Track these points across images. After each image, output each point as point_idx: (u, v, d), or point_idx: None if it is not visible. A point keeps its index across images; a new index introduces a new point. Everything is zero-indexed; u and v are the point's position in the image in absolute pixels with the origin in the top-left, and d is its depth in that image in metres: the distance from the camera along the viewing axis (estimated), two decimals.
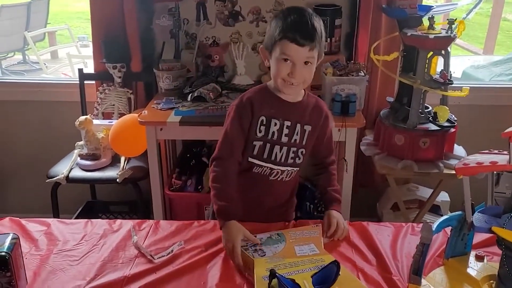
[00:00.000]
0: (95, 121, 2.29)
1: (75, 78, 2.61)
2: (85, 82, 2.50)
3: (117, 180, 2.13)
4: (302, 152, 1.52)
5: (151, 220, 1.53)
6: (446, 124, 2.10)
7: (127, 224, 1.49)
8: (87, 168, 2.24)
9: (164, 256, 1.32)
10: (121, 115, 2.41)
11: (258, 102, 1.47)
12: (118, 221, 1.52)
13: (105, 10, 2.34)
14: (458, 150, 2.27)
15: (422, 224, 1.20)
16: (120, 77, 2.41)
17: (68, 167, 2.22)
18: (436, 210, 2.44)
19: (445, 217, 1.25)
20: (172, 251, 1.34)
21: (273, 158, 1.49)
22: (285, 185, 1.57)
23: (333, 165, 1.64)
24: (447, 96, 2.12)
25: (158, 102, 2.24)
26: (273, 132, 1.47)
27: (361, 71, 2.18)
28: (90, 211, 2.58)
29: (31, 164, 2.74)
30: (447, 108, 2.08)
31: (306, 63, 1.39)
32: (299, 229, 1.42)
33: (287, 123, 1.48)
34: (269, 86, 1.51)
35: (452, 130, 2.15)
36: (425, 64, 2.06)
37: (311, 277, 1.16)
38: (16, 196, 2.86)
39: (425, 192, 2.46)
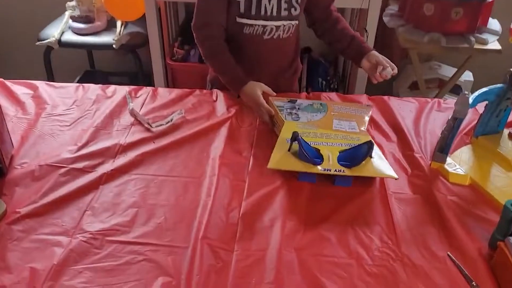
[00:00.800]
0: None
1: None
2: None
3: (114, 46, 1.94)
4: (297, 0, 1.31)
5: (148, 87, 1.38)
6: None
7: (122, 90, 1.36)
8: (80, 31, 2.04)
9: (163, 125, 1.20)
10: None
11: None
12: (113, 87, 1.38)
13: None
14: (493, 23, 2.02)
15: (449, 99, 1.05)
16: None
17: (60, 29, 2.02)
18: (456, 90, 2.27)
19: (483, 90, 1.09)
20: (171, 120, 1.22)
21: (263, 12, 1.29)
22: (283, 44, 1.38)
23: (337, 13, 1.42)
24: None
25: None
26: None
27: None
28: (88, 82, 2.43)
29: (22, 29, 2.53)
30: None
31: None
32: (347, 104, 1.27)
33: None
34: None
35: (489, 0, 1.89)
36: None
37: (339, 152, 1.04)
38: (8, 64, 2.69)
39: (447, 71, 2.28)
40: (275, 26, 1.32)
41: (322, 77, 2.27)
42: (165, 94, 1.35)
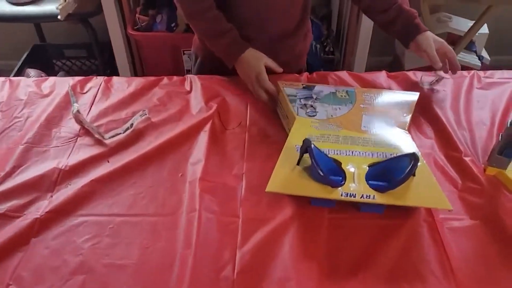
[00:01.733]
0: None
1: None
2: None
3: (58, 16, 1.56)
4: None
5: (99, 77, 1.04)
6: None
7: (64, 84, 1.02)
8: (18, 1, 1.64)
9: (120, 133, 0.88)
10: None
11: None
12: (51, 80, 1.04)
13: None
14: None
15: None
16: None
17: None
18: (469, 45, 1.97)
19: None
20: (131, 125, 0.90)
21: None
22: (286, 2, 1.04)
23: None
24: None
25: None
26: None
27: None
28: (39, 58, 2.06)
29: None
30: None
31: None
32: (383, 91, 0.94)
33: None
34: None
35: None
36: None
37: (368, 166, 0.75)
38: None
39: (459, 24, 1.96)
40: None
41: (315, 38, 1.94)
42: (122, 86, 1.02)
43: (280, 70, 1.00)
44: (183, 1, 1.00)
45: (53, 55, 2.11)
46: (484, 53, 2.02)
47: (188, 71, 1.85)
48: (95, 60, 2.03)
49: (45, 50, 2.06)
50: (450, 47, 0.97)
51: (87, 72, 2.09)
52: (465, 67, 2.03)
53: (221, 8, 1.01)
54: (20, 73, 1.94)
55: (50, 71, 2.05)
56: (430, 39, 0.98)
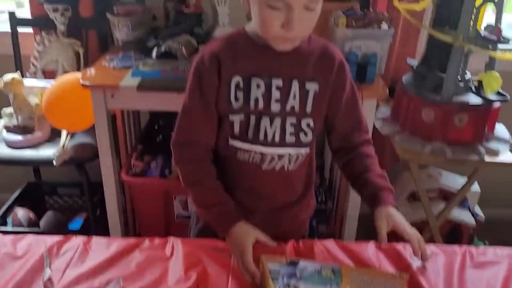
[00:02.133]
0: (28, 82, 1.73)
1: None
2: (20, 30, 1.91)
3: (54, 162, 1.59)
4: (308, 124, 1.02)
5: (78, 237, 1.01)
6: (494, 97, 1.58)
7: (40, 244, 0.98)
8: (16, 145, 1.70)
9: None
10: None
11: (229, 56, 0.98)
12: (29, 238, 1.00)
13: None
14: (500, 130, 1.77)
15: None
16: (64, 24, 1.83)
17: None
18: (462, 202, 1.98)
19: None
20: None
21: (262, 137, 1.00)
22: (288, 177, 1.06)
23: (367, 146, 1.10)
24: (494, 60, 1.60)
25: (112, 58, 1.68)
26: (256, 99, 0.98)
27: (384, 23, 1.64)
28: (33, 194, 2.06)
29: None
30: (498, 76, 1.56)
31: (308, 7, 0.90)
32: (370, 273, 0.91)
33: (277, 81, 0.98)
34: (248, 31, 1.01)
35: (498, 105, 1.65)
36: (471, 15, 1.52)
37: None
38: None
39: (450, 180, 1.99)
40: (278, 154, 1.02)
41: None
42: (100, 248, 0.98)
43: (274, 244, 0.98)
44: (184, 170, 1.03)
45: (46, 192, 2.11)
46: (478, 210, 2.02)
47: (178, 216, 1.83)
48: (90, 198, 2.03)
49: (39, 189, 2.08)
50: (413, 233, 0.96)
51: (78, 210, 2.08)
52: (460, 225, 2.02)
53: (222, 178, 1.02)
54: (10, 209, 1.93)
55: (40, 208, 2.04)
56: (384, 218, 0.97)
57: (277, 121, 1.00)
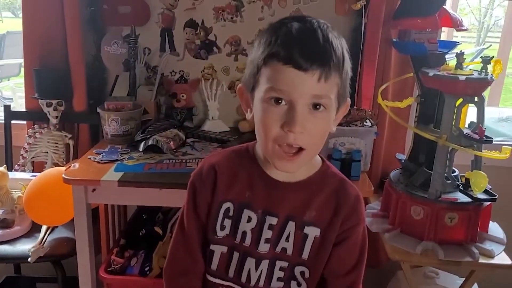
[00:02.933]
0: (12, 175, 1.72)
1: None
2: (13, 122, 1.96)
3: (29, 259, 1.53)
4: (302, 272, 0.88)
5: None
6: (483, 196, 1.55)
7: None
8: None
9: None
10: (57, 166, 1.85)
11: (227, 174, 0.89)
12: None
13: (42, 29, 1.83)
14: (493, 228, 1.72)
15: None
16: (56, 117, 1.87)
17: None
18: None
19: None
20: None
21: (244, 279, 0.89)
22: None
23: None
24: (480, 158, 1.59)
25: (98, 151, 1.68)
26: (244, 233, 0.87)
27: (367, 120, 1.65)
28: None
29: None
30: (485, 175, 1.53)
31: (316, 106, 0.78)
32: None
33: (271, 219, 0.87)
34: (252, 150, 0.92)
35: (488, 203, 1.61)
36: (453, 114, 1.54)
37: None
38: None
39: (447, 281, 1.89)
40: None
41: None
42: None
43: None
44: None
45: (25, 287, 2.02)
46: None
47: None
48: None
49: (17, 283, 1.99)
50: None
51: None
52: None
53: None
54: None
55: None
56: None
57: (264, 264, 0.88)
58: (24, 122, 1.97)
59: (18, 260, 1.65)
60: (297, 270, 0.88)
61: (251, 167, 0.89)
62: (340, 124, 1.59)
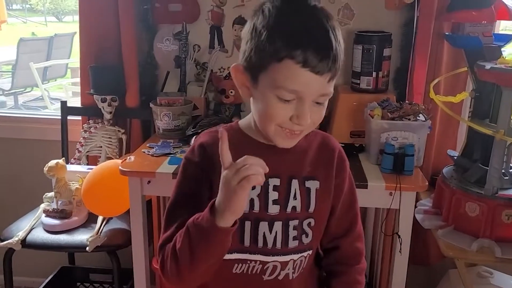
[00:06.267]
0: (70, 167, 1.80)
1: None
2: (69, 117, 2.04)
3: (87, 248, 1.59)
4: (309, 223, 0.94)
5: None
6: None
7: None
8: (52, 229, 1.72)
9: None
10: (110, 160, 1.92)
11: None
12: None
13: (97, 28, 1.90)
14: None
15: None
16: (110, 113, 1.94)
17: (28, 227, 1.71)
18: None
19: None
20: None
21: (260, 244, 0.91)
22: (293, 285, 0.96)
23: (354, 273, 1.02)
24: None
25: (151, 145, 1.73)
26: (252, 201, 0.90)
27: (421, 114, 1.63)
28: (65, 280, 2.05)
29: None
30: None
31: (318, 101, 0.85)
32: None
33: (274, 181, 0.91)
34: (242, 127, 0.95)
35: None
36: (510, 108, 1.49)
37: None
38: None
39: (501, 280, 1.83)
40: (280, 262, 0.93)
41: None
42: None
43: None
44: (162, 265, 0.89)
45: (78, 278, 2.10)
46: None
47: None
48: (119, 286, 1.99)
49: (72, 273, 2.07)
50: None
51: None
52: None
53: None
54: None
55: None
56: None
57: (277, 225, 0.91)
58: (80, 117, 2.04)
59: (75, 249, 1.71)
60: (305, 223, 0.94)
61: (244, 139, 0.93)
62: (392, 118, 1.60)
